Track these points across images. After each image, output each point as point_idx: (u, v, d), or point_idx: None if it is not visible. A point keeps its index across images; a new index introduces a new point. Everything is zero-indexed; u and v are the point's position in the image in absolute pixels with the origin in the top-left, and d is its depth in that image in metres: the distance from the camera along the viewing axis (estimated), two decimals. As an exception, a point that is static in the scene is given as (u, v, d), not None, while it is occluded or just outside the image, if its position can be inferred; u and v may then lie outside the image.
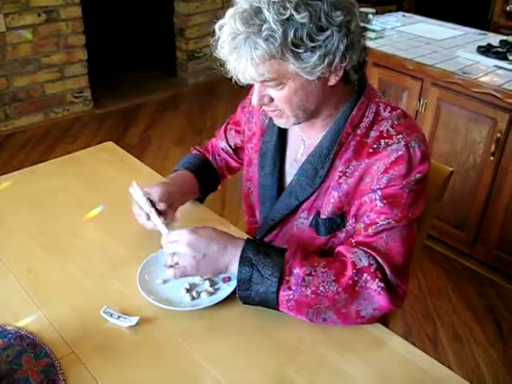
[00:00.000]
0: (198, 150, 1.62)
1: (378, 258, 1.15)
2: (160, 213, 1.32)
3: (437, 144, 2.66)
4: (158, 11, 5.39)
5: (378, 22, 3.17)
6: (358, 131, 1.22)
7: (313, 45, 1.06)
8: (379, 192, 1.18)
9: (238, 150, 1.58)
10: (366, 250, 1.16)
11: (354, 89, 1.24)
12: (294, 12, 1.03)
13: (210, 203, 1.62)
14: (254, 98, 1.17)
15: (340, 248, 1.21)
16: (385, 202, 1.17)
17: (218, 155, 1.61)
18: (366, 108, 1.23)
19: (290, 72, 1.09)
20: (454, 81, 2.49)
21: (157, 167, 1.78)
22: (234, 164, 1.61)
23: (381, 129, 1.20)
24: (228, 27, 1.08)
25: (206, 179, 1.55)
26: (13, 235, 1.45)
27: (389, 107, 1.24)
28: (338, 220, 1.26)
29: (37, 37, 3.94)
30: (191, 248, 1.17)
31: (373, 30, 2.96)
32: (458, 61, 2.66)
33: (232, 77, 1.13)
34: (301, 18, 1.03)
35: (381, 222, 1.17)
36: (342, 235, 1.28)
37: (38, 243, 1.42)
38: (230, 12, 1.09)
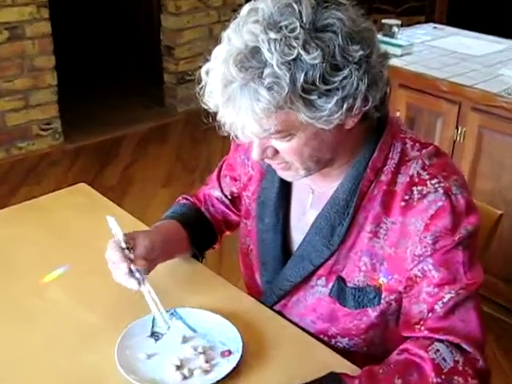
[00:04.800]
0: (188, 199, 1.58)
1: (463, 345, 1.10)
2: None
3: (479, 181, 2.65)
4: (142, 26, 5.47)
5: (405, 36, 3.20)
6: (383, 177, 1.20)
7: (327, 88, 1.02)
8: (429, 260, 1.14)
9: (235, 200, 1.53)
10: (443, 339, 1.11)
11: (373, 125, 1.21)
12: (302, 51, 0.99)
13: (204, 257, 1.59)
14: (255, 151, 1.14)
15: (408, 345, 1.14)
16: (441, 269, 1.13)
17: (213, 206, 1.56)
18: (389, 148, 1.20)
19: (301, 122, 1.05)
20: (497, 104, 2.50)
21: (139, 213, 1.77)
22: (232, 217, 1.56)
23: (410, 172, 1.18)
24: (218, 72, 1.04)
25: (199, 232, 1.50)
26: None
27: (417, 144, 1.21)
28: (370, 294, 1.22)
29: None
30: None
31: (398, 46, 2.96)
32: (502, 80, 2.67)
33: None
34: (311, 58, 0.99)
35: (447, 296, 1.12)
36: (373, 314, 1.23)
37: (-6, 308, 1.39)
38: (219, 54, 1.05)
